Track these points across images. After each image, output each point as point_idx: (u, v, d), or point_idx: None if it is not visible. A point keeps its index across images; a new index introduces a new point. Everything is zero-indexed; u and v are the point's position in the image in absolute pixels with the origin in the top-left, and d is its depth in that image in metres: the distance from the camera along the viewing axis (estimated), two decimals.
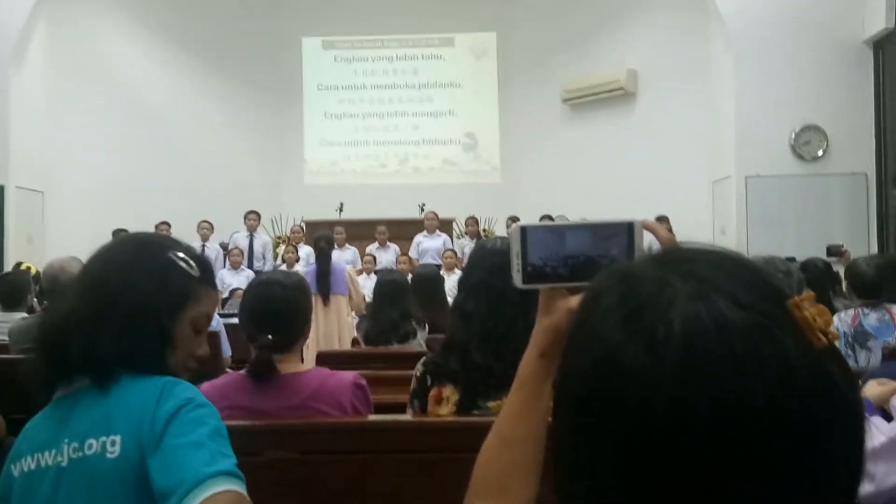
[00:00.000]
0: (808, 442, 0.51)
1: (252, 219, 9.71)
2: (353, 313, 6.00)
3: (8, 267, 7.84)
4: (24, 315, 4.09)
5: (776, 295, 0.55)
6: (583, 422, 0.56)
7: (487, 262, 1.90)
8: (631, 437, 0.53)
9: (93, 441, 1.14)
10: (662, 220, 8.02)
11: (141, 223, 8.99)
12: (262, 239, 9.86)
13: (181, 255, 1.30)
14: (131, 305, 1.22)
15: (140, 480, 1.11)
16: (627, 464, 0.53)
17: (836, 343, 0.55)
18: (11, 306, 4.13)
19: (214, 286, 1.37)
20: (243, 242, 9.47)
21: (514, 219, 9.49)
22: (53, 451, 1.17)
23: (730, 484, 0.51)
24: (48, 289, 3.61)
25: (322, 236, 6.29)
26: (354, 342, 5.14)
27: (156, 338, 1.23)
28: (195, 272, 1.29)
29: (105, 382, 1.17)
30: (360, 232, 9.59)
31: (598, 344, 0.56)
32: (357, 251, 9.23)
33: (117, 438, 1.13)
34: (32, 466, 1.18)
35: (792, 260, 4.73)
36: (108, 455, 1.13)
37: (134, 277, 1.24)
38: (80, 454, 1.14)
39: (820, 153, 8.57)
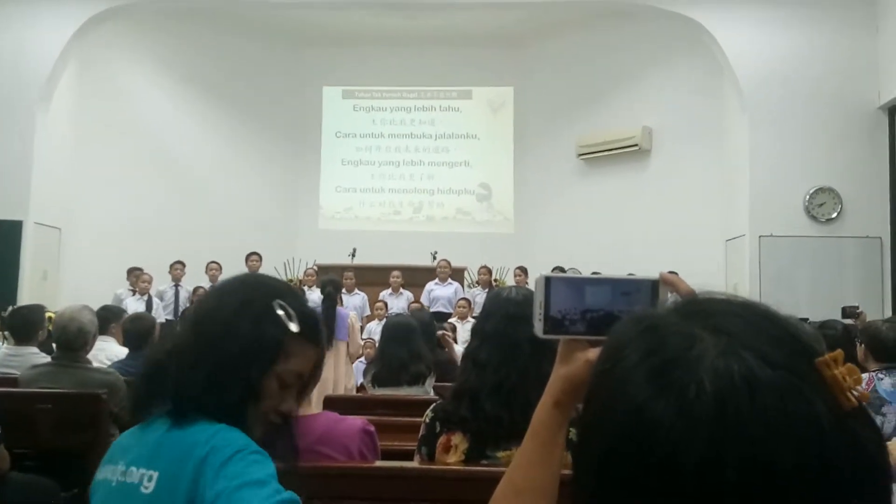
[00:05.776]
0: None
1: (254, 260, 9.52)
2: (350, 360, 6.01)
3: (22, 301, 7.88)
4: (35, 351, 4.11)
5: (806, 352, 0.54)
6: (606, 478, 0.55)
7: (502, 310, 1.89)
8: (658, 496, 0.51)
9: (134, 469, 1.17)
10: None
11: (156, 263, 9.12)
12: None
13: (285, 306, 1.27)
14: (224, 354, 1.21)
15: None
16: None
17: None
18: (22, 340, 4.15)
19: (316, 342, 1.32)
20: None
21: (522, 269, 9.50)
22: (112, 468, 1.21)
23: None
24: (56, 337, 3.64)
25: (329, 280, 6.27)
26: (361, 388, 5.10)
27: (239, 390, 1.21)
28: (294, 327, 1.25)
29: (179, 419, 1.19)
30: (372, 277, 9.60)
31: (624, 399, 0.55)
32: (366, 297, 9.20)
33: (154, 475, 1.14)
34: (99, 477, 1.23)
35: (805, 321, 4.69)
36: (143, 490, 1.14)
37: (234, 324, 1.23)
38: (123, 479, 1.17)
39: (834, 215, 8.58)
